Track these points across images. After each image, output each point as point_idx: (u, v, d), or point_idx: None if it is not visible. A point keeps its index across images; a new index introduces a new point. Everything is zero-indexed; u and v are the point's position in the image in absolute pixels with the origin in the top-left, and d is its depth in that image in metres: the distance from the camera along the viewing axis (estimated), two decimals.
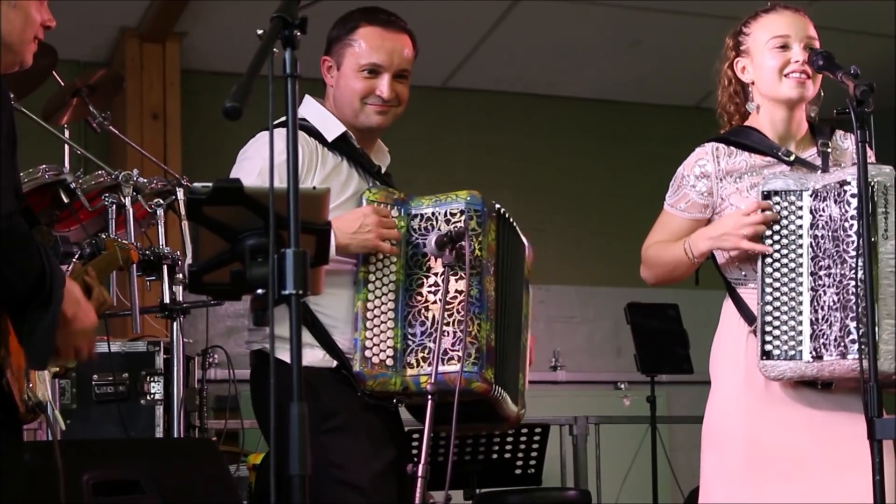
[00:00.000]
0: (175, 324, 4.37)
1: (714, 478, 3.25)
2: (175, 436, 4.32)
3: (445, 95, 8.14)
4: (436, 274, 3.17)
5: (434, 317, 3.13)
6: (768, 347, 3.11)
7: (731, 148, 3.31)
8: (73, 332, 2.63)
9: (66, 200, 4.31)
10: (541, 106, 8.31)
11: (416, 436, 4.81)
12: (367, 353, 3.11)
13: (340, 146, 3.28)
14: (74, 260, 2.99)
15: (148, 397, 4.50)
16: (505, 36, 7.53)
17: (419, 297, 3.17)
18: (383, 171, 3.39)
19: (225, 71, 7.19)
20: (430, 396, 3.04)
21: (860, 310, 2.93)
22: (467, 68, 7.92)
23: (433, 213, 3.22)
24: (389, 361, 3.12)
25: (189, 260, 4.32)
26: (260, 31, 2.19)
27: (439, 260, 3.16)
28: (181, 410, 4.36)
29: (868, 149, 3.04)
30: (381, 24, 3.30)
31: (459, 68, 7.94)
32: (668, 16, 7.24)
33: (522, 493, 5.80)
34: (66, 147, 4.84)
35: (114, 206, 4.35)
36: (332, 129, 3.29)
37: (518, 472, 5.85)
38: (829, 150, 3.30)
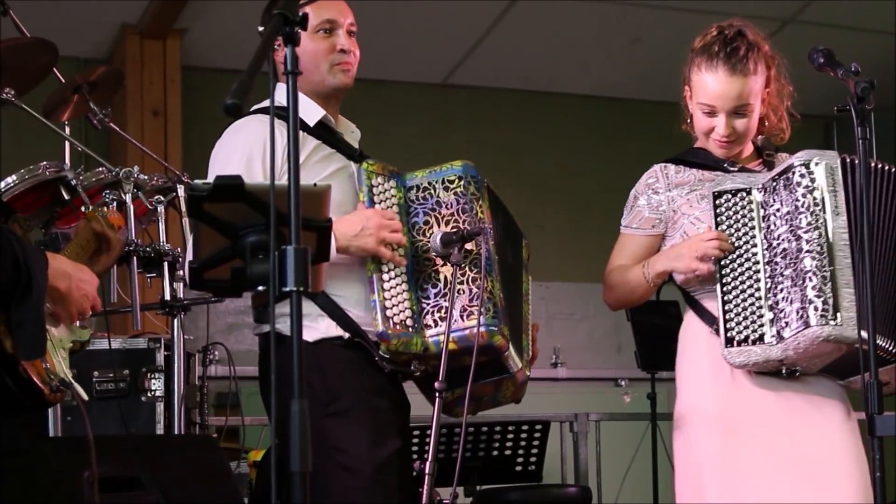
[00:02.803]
0: (176, 320, 4.37)
1: (689, 462, 3.28)
2: (176, 432, 4.32)
3: (446, 92, 8.14)
4: (442, 257, 3.19)
5: (446, 278, 3.14)
6: (731, 335, 3.19)
7: (680, 166, 3.45)
8: (72, 300, 2.67)
9: (66, 197, 4.31)
10: (541, 103, 8.31)
11: (416, 432, 4.81)
12: (388, 314, 3.11)
13: (320, 132, 3.30)
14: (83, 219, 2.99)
15: (148, 394, 4.49)
16: (505, 33, 7.53)
17: (427, 262, 3.19)
18: (358, 149, 3.40)
19: (225, 68, 7.19)
20: (437, 394, 3.04)
21: (820, 277, 3.06)
22: (468, 65, 7.92)
23: (429, 183, 3.28)
24: (409, 322, 3.12)
25: (190, 257, 4.32)
26: (261, 28, 2.19)
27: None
28: (182, 407, 4.36)
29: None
30: None
31: (460, 65, 7.93)
32: (669, 13, 7.24)
33: (523, 489, 5.80)
34: (67, 144, 4.84)
35: (114, 203, 4.35)
36: (312, 114, 3.30)
37: (518, 468, 5.84)
38: (775, 161, 3.41)
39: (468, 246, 3.17)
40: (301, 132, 3.23)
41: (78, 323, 2.81)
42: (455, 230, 3.18)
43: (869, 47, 7.29)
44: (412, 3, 6.93)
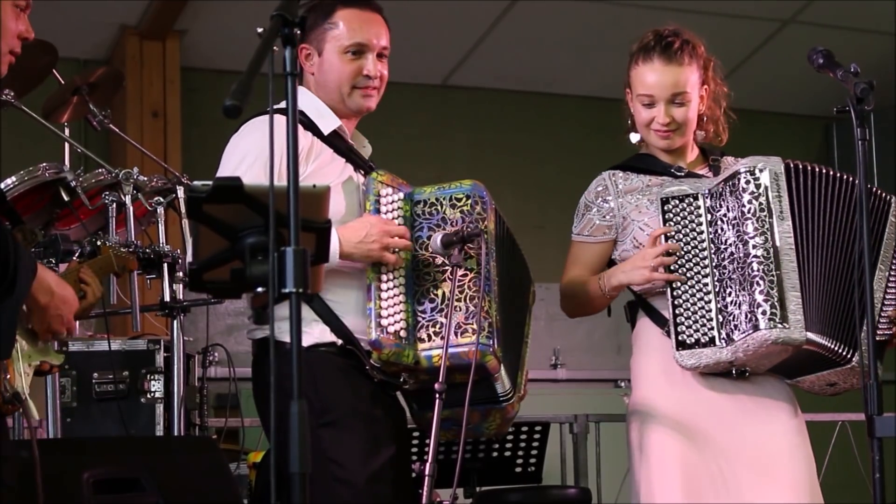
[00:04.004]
0: (175, 322, 4.38)
1: (640, 460, 3.33)
2: (175, 434, 4.32)
3: (446, 93, 8.14)
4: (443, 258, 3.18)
5: (444, 294, 3.13)
6: (682, 338, 3.26)
7: (628, 172, 3.53)
8: (49, 317, 2.66)
9: (66, 198, 4.31)
10: (541, 103, 8.30)
11: (416, 434, 4.80)
12: (383, 322, 3.09)
13: (333, 141, 3.29)
14: (75, 258, 3.00)
15: (148, 395, 4.49)
16: (505, 33, 7.53)
17: (427, 277, 3.18)
18: (369, 161, 3.40)
19: (225, 69, 7.19)
20: (438, 395, 3.02)
21: (767, 282, 3.14)
22: (467, 66, 7.92)
23: (437, 199, 3.25)
24: (403, 333, 3.10)
25: (189, 258, 4.32)
26: (260, 30, 2.19)
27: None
28: (181, 408, 4.36)
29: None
30: (358, 6, 3.33)
31: (460, 66, 7.93)
32: (669, 13, 7.20)
33: (522, 491, 5.80)
34: (67, 145, 4.85)
35: (114, 205, 4.35)
36: (328, 122, 3.29)
37: (518, 470, 5.84)
38: (720, 165, 3.49)
39: (470, 265, 3.16)
40: (315, 139, 3.25)
41: (55, 345, 2.80)
42: (455, 231, 3.17)
43: (868, 48, 7.29)
44: (412, 4, 6.93)
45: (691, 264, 3.30)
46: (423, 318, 3.13)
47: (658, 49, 3.44)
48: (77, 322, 2.94)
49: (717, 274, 3.26)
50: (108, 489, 3.21)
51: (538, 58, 7.86)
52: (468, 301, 3.12)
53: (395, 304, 3.12)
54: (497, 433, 3.38)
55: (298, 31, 2.19)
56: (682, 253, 3.31)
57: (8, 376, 2.60)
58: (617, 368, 7.98)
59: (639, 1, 7.25)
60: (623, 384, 7.92)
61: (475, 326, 3.08)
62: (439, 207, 3.24)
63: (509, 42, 7.61)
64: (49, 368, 2.80)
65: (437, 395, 3.03)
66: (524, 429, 5.78)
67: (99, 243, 3.10)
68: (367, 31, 3.29)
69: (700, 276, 3.28)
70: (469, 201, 3.23)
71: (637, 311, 3.50)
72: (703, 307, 3.25)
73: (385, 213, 3.20)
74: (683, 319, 3.26)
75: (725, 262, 3.24)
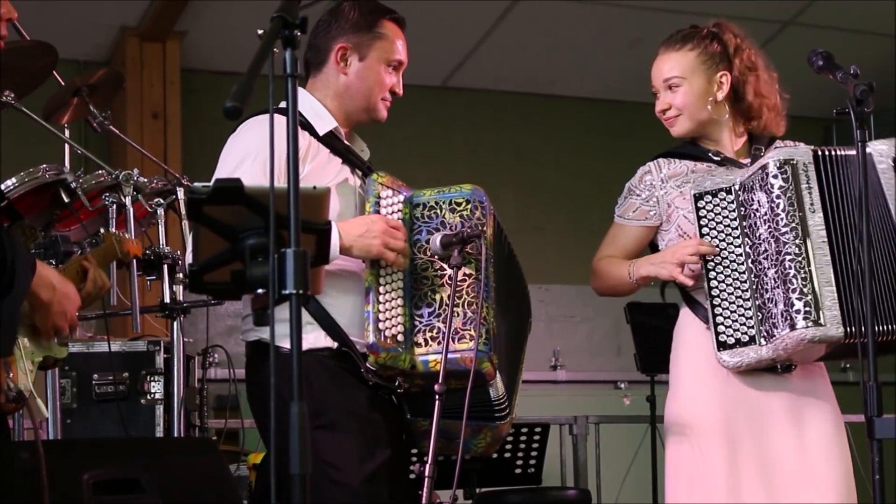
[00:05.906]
0: (175, 323, 4.38)
1: (693, 470, 3.30)
2: (175, 435, 4.32)
3: (446, 94, 8.14)
4: (441, 259, 3.18)
5: (441, 299, 3.12)
6: (722, 338, 3.24)
7: (672, 159, 3.51)
8: (51, 313, 2.65)
9: (66, 200, 4.31)
10: (541, 105, 8.31)
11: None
12: (381, 326, 3.08)
13: (330, 142, 3.29)
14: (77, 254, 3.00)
15: (148, 397, 4.50)
16: (505, 35, 7.53)
17: (425, 281, 3.17)
18: (367, 162, 3.40)
19: (225, 70, 7.20)
20: (437, 396, 3.02)
21: (801, 279, 3.11)
22: (468, 67, 7.92)
23: (437, 202, 3.24)
24: (400, 337, 3.10)
25: (189, 259, 4.32)
26: (260, 31, 2.19)
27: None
28: (181, 410, 4.36)
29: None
30: (397, 23, 3.38)
31: (460, 67, 7.94)
32: (669, 14, 7.24)
33: (522, 492, 5.80)
34: (67, 146, 4.84)
35: (114, 206, 4.35)
36: (324, 123, 3.29)
37: (518, 471, 5.84)
38: (761, 154, 3.43)
39: (468, 270, 3.16)
40: (312, 139, 3.24)
41: (56, 339, 2.79)
42: (455, 232, 3.17)
43: (868, 49, 7.30)
44: (411, 5, 6.93)
45: (728, 262, 3.26)
46: (421, 323, 3.13)
47: (666, 42, 3.47)
48: (78, 322, 2.91)
49: (753, 270, 3.22)
50: (108, 490, 3.21)
51: (538, 59, 7.87)
52: (466, 307, 3.12)
53: (393, 308, 3.12)
54: (484, 453, 3.35)
55: (299, 33, 2.19)
56: (718, 250, 3.27)
57: (10, 375, 2.60)
58: (617, 370, 7.99)
59: (639, 2, 7.26)
60: (623, 385, 7.94)
61: (473, 332, 3.07)
62: (438, 211, 3.23)
63: (509, 43, 7.62)
64: (53, 362, 2.80)
65: (437, 396, 3.03)
66: (524, 430, 5.78)
67: (102, 231, 3.10)
68: (404, 53, 3.36)
69: (737, 274, 3.25)
70: (469, 206, 3.23)
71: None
72: (741, 305, 3.22)
73: (385, 215, 3.20)
74: (723, 319, 3.23)
75: (761, 258, 3.21)
